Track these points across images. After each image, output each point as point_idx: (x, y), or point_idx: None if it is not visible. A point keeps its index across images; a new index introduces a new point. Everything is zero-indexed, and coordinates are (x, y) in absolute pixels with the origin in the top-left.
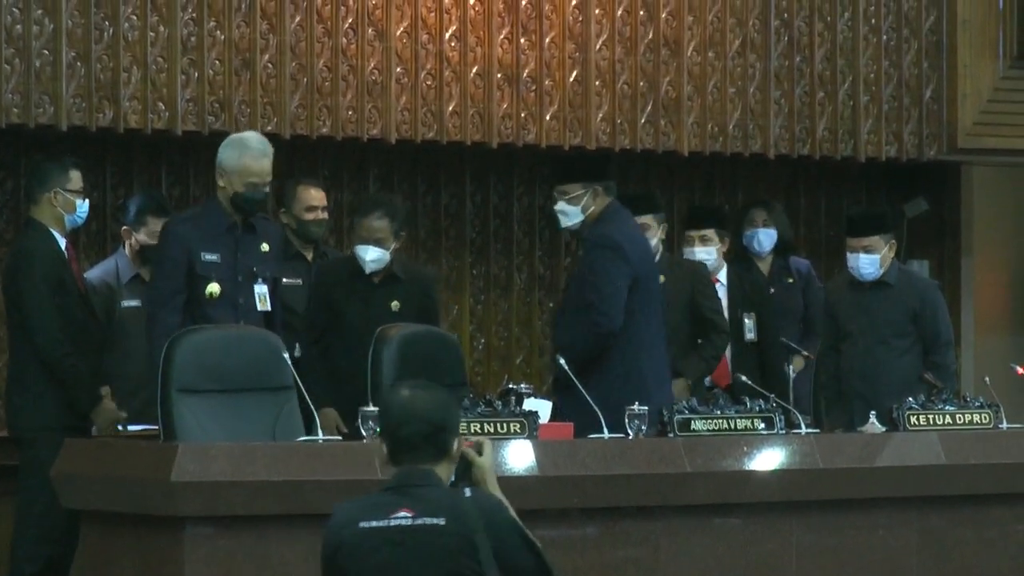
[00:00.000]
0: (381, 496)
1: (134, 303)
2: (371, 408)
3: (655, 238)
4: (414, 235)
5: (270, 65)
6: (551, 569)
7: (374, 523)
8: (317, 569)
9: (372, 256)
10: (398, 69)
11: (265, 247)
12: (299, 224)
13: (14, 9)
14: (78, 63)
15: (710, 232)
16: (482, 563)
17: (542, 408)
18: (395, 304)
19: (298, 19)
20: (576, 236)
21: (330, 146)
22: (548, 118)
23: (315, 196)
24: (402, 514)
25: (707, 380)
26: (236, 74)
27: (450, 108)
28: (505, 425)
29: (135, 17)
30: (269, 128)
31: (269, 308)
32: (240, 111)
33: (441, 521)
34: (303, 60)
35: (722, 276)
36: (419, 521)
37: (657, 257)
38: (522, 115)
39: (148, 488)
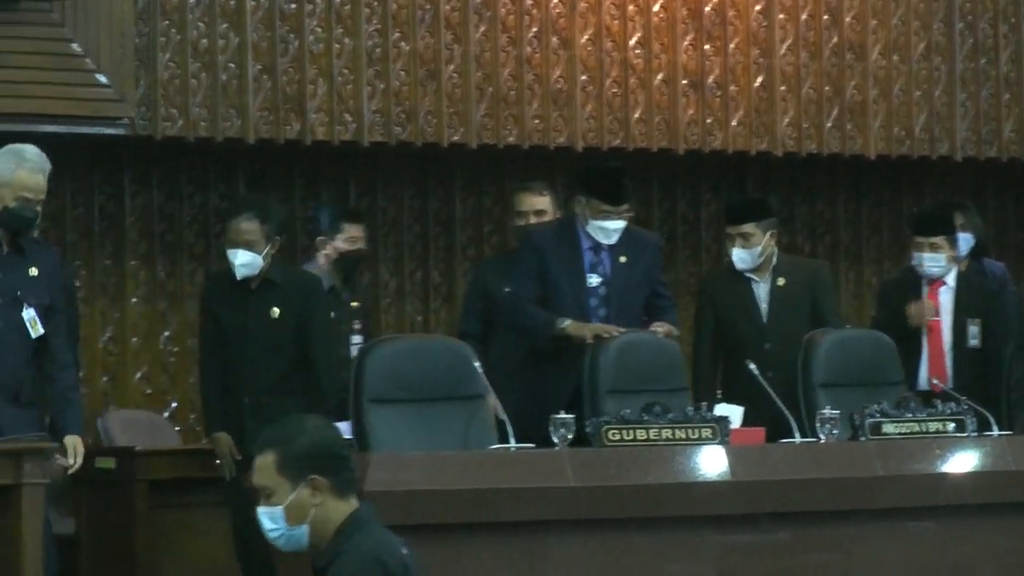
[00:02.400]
0: (376, 525)
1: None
2: (564, 416)
3: (758, 245)
4: None
5: (455, 75)
6: None
7: (404, 550)
8: None
9: (241, 260)
10: (583, 77)
11: (34, 271)
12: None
13: (200, 23)
14: (264, 76)
15: (940, 240)
16: None
17: (733, 413)
18: (274, 311)
19: (482, 29)
20: None
21: (517, 155)
22: (734, 124)
23: (528, 201)
24: (401, 539)
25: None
26: (421, 85)
27: (636, 115)
28: (696, 431)
29: (320, 30)
30: (456, 138)
31: (41, 332)
32: (426, 122)
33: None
34: (488, 70)
35: (950, 279)
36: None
37: (774, 260)
38: (708, 121)
39: None
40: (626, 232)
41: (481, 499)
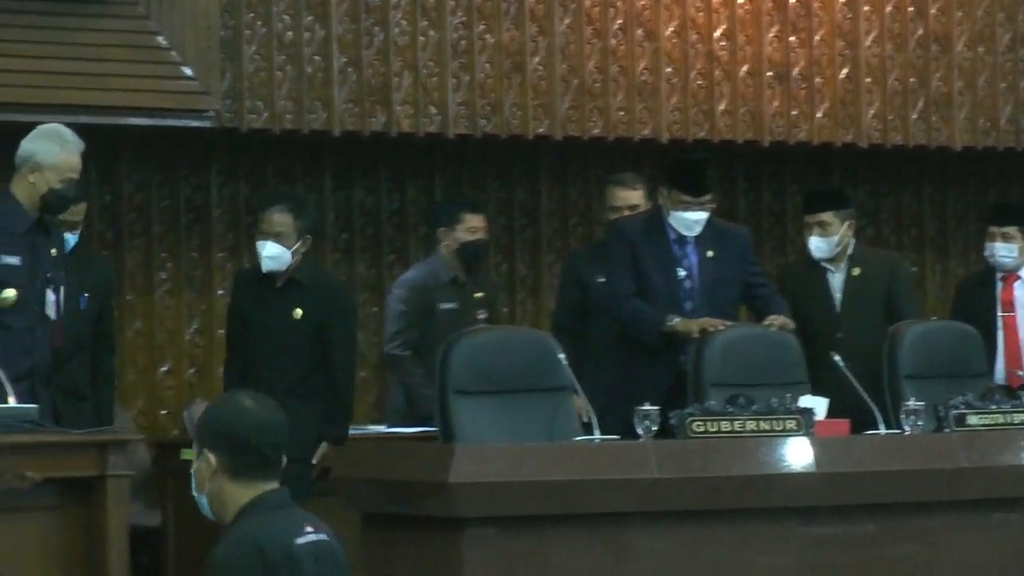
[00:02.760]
0: (276, 514)
1: (450, 305)
2: (648, 407)
3: (836, 235)
4: None
5: (540, 67)
6: None
7: (300, 540)
8: (597, 568)
9: (269, 252)
10: (668, 69)
11: (54, 251)
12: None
13: (285, 16)
14: (349, 69)
15: (1012, 230)
16: None
17: (818, 405)
18: (297, 312)
19: (567, 21)
20: None
21: (602, 147)
22: (819, 116)
23: (621, 196)
24: (309, 529)
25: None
26: (507, 77)
27: (721, 107)
28: (781, 423)
29: (405, 22)
30: (541, 130)
31: (56, 317)
32: (511, 114)
33: (327, 537)
34: (573, 62)
35: None
36: (319, 536)
37: (850, 250)
38: (793, 113)
39: (426, 490)
40: (712, 226)
41: (565, 491)
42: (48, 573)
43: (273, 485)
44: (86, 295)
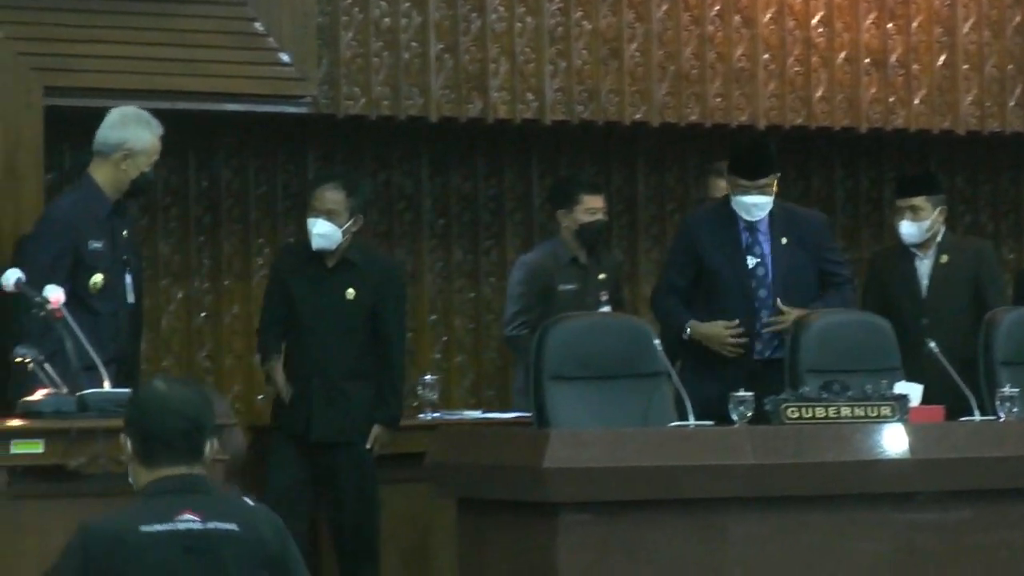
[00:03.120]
0: (152, 502)
1: (571, 286)
2: (743, 393)
3: (927, 220)
4: None
5: (637, 54)
6: None
7: (157, 527)
8: (691, 553)
9: (320, 230)
10: (765, 56)
11: (125, 233)
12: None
13: (382, 3)
14: (446, 55)
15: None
16: (293, 567)
17: (913, 391)
18: (350, 292)
19: (665, 7)
20: None
21: (698, 133)
22: (917, 102)
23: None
24: (188, 517)
25: None
26: (604, 63)
27: (818, 94)
28: (875, 409)
29: (502, 8)
30: (637, 116)
31: (134, 300)
32: (608, 100)
33: (234, 527)
34: (670, 48)
35: None
36: (210, 525)
37: (939, 238)
38: (890, 100)
39: (521, 475)
40: (787, 212)
41: (660, 476)
42: None
43: (180, 470)
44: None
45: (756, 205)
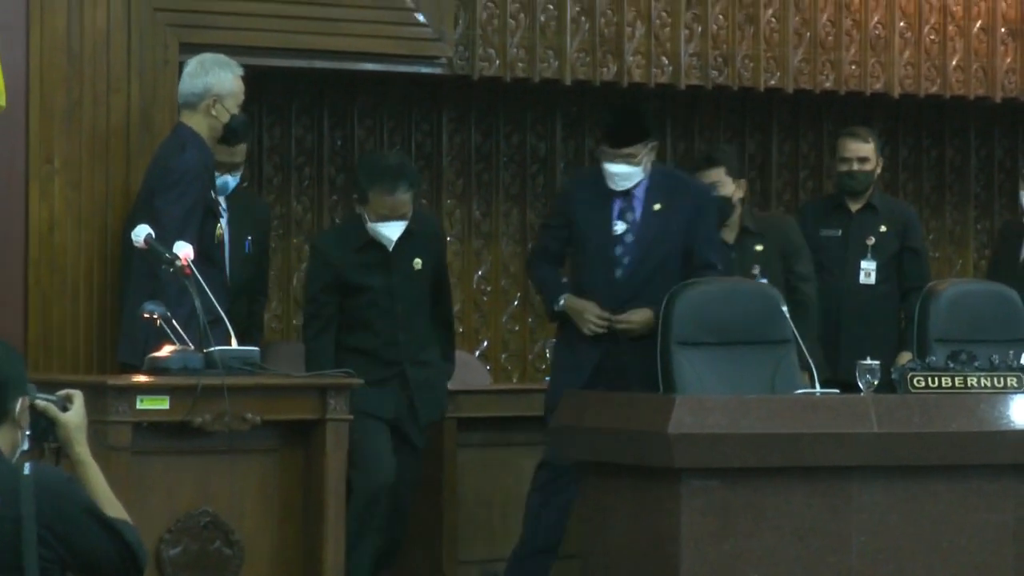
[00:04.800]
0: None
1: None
2: (870, 362)
3: None
4: (918, 189)
5: (773, 20)
6: (136, 551)
7: None
8: (814, 520)
9: (395, 232)
10: (901, 24)
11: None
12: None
13: None
14: (582, 18)
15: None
16: (25, 552)
17: None
18: (416, 262)
19: None
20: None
21: (833, 100)
22: None
23: (852, 148)
24: None
25: None
26: (739, 28)
27: (953, 63)
28: (1002, 379)
29: None
30: (772, 82)
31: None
32: (743, 65)
33: None
34: (807, 14)
35: None
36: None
37: None
38: None
39: (646, 440)
40: (670, 179)
41: (784, 443)
42: (266, 515)
43: None
44: (249, 238)
45: (619, 175)
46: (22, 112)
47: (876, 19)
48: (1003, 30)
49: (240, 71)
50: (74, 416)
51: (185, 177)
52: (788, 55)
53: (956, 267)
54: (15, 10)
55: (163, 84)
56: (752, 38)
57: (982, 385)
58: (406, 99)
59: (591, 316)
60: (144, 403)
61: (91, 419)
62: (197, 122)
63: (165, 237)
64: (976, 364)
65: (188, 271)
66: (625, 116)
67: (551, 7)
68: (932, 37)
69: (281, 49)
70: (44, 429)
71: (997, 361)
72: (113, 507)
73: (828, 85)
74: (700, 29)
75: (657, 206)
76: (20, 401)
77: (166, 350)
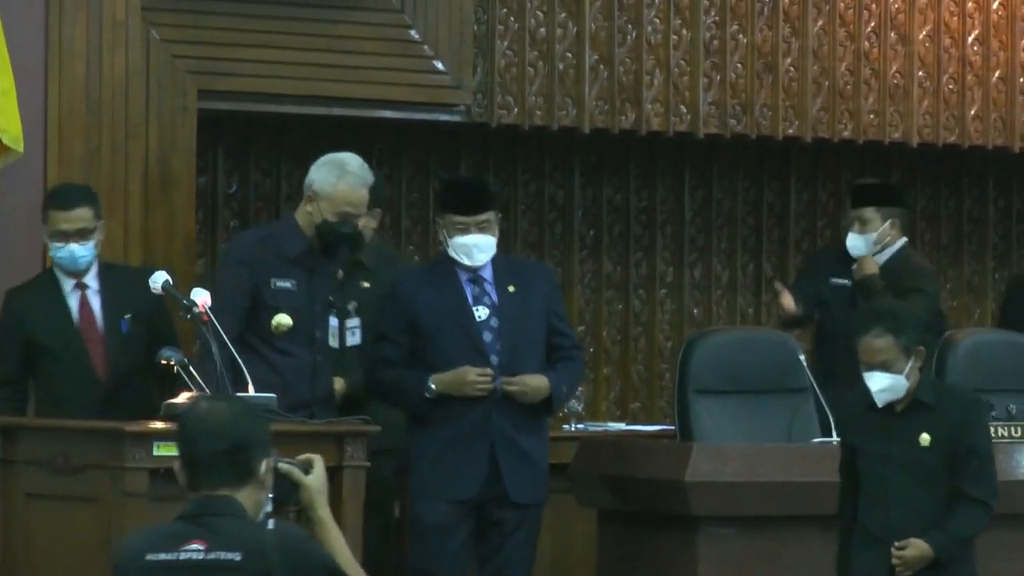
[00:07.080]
0: (173, 526)
1: None
2: None
3: None
4: (936, 238)
5: (792, 69)
6: None
7: (162, 556)
8: (831, 570)
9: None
10: (920, 73)
11: (341, 274)
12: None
13: (538, 12)
14: (601, 66)
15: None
16: None
17: None
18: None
19: (821, 23)
20: None
21: (852, 149)
22: None
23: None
24: (194, 547)
25: None
26: (758, 77)
27: (972, 112)
28: (1019, 429)
29: (658, 20)
30: (791, 131)
31: (338, 346)
32: (761, 114)
33: (236, 556)
34: (825, 64)
35: None
36: (212, 555)
37: None
38: None
39: (663, 488)
40: (509, 261)
41: (802, 492)
42: None
43: (222, 492)
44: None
45: (477, 246)
46: (40, 159)
47: (895, 68)
48: (1022, 80)
49: (353, 180)
50: (315, 480)
51: (228, 260)
52: (807, 104)
53: (974, 316)
54: (34, 56)
55: (181, 131)
56: (771, 87)
57: (999, 435)
58: (425, 146)
59: (473, 376)
60: (161, 449)
61: (108, 465)
62: (301, 211)
63: (215, 312)
64: (993, 414)
65: (206, 318)
66: (470, 184)
67: (570, 55)
68: (951, 87)
69: (300, 96)
70: (287, 491)
71: (1015, 411)
72: (352, 568)
73: (847, 134)
74: (719, 78)
75: (511, 288)
76: (265, 463)
77: (182, 396)
